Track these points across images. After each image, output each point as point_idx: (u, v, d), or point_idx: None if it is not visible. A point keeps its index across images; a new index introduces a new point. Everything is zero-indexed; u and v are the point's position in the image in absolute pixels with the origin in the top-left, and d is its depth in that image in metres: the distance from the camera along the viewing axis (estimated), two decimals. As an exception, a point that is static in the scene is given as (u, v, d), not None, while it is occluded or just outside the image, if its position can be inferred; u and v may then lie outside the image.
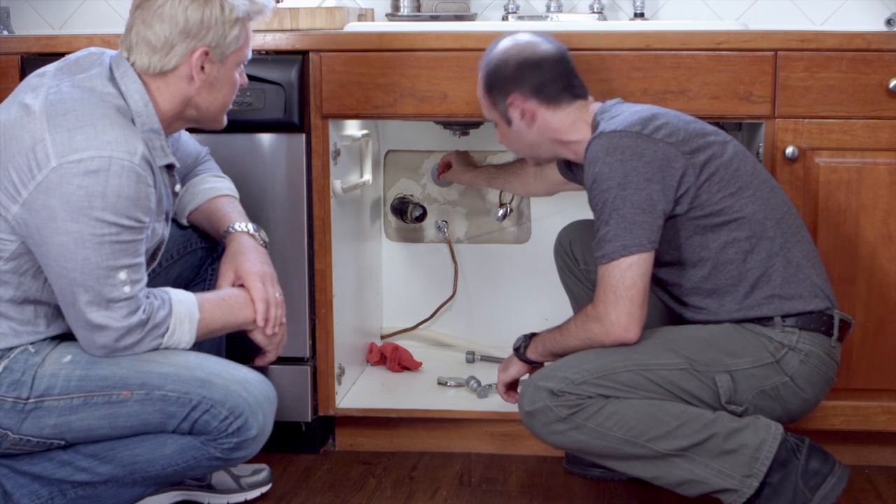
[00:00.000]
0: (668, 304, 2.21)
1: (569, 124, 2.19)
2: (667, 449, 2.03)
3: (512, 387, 2.32)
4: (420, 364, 2.88)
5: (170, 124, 2.06)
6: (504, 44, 2.22)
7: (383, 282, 3.12)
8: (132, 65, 1.99)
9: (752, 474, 2.02)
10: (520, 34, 2.24)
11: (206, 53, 1.99)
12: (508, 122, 2.22)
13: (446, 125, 2.86)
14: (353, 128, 2.73)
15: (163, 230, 2.08)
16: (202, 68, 2.00)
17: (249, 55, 2.10)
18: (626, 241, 2.01)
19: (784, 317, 2.07)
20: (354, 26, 2.60)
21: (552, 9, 2.89)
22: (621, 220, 2.02)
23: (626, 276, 2.01)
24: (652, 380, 2.04)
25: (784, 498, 2.02)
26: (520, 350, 2.25)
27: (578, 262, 2.46)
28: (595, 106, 2.21)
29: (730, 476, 2.03)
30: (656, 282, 2.17)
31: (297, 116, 2.46)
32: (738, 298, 2.09)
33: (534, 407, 2.07)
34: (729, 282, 2.09)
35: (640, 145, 2.05)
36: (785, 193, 2.18)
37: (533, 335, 2.24)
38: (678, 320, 2.20)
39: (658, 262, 2.11)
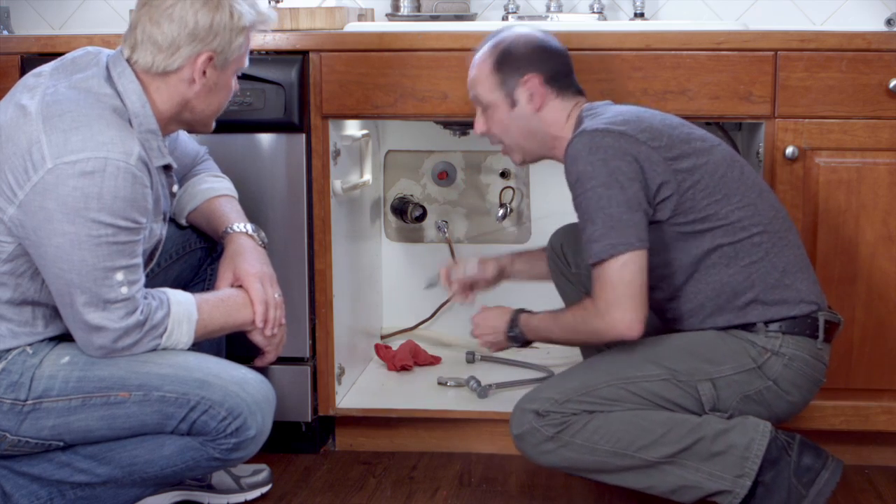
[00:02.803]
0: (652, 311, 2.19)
1: (563, 119, 2.16)
2: (656, 457, 2.03)
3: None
4: (440, 359, 2.94)
5: (166, 125, 2.05)
6: (514, 30, 2.20)
7: (383, 282, 3.12)
8: (134, 63, 1.99)
9: (744, 474, 2.01)
10: (527, 28, 2.24)
11: (211, 58, 1.99)
12: (512, 104, 2.16)
13: (446, 125, 2.86)
14: (353, 128, 2.73)
15: (160, 231, 2.08)
16: (204, 73, 2.00)
17: (247, 63, 2.10)
18: (614, 240, 1.99)
19: (767, 322, 2.06)
20: (354, 26, 2.60)
21: (552, 9, 2.89)
22: (608, 218, 1.99)
23: (624, 273, 1.99)
24: (634, 392, 2.05)
25: (778, 496, 2.02)
26: (515, 329, 2.25)
27: (570, 265, 2.43)
28: (584, 105, 2.19)
29: (721, 478, 2.02)
30: None
31: (297, 116, 2.45)
32: (720, 305, 2.07)
33: (521, 430, 2.08)
34: (711, 288, 2.07)
35: (623, 144, 2.02)
36: (774, 196, 2.16)
37: (519, 314, 2.24)
38: (662, 328, 2.19)
39: None
